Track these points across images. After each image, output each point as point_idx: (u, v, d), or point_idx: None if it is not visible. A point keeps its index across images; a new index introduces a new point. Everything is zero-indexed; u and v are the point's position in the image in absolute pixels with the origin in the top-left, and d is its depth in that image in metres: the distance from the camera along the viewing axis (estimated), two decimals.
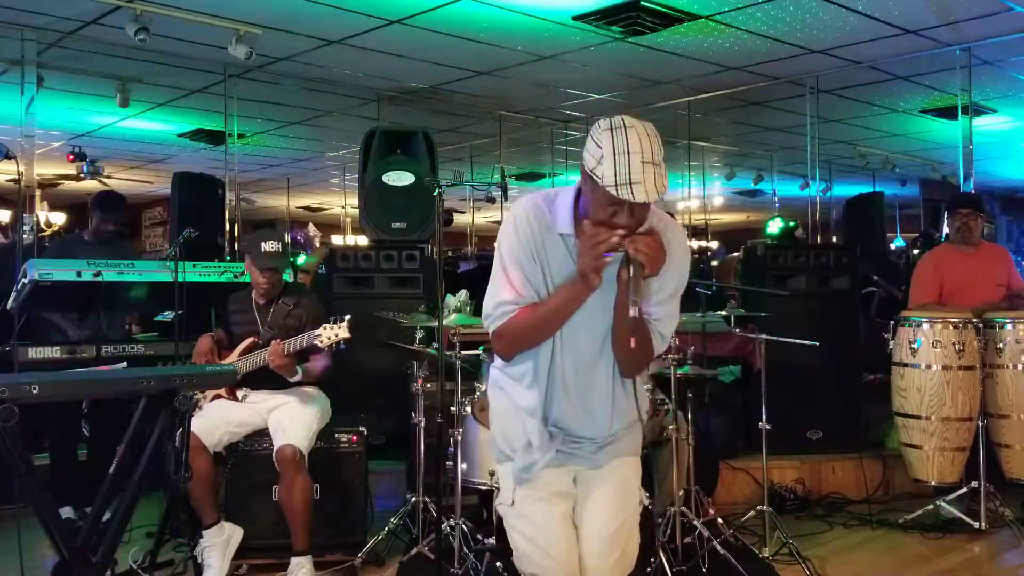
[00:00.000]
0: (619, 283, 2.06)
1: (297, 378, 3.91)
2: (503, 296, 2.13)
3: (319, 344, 3.72)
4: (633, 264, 1.96)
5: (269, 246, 3.98)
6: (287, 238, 11.48)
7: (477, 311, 5.25)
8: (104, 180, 11.24)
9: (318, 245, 10.57)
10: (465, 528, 3.85)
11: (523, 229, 2.12)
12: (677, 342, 4.19)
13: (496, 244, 2.20)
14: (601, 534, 2.26)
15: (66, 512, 4.49)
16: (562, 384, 2.21)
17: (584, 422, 2.24)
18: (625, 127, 1.94)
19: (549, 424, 2.23)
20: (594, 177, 1.95)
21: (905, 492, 5.19)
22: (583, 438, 2.26)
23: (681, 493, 3.99)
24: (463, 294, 5.20)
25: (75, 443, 4.91)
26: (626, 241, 1.97)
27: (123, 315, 5.77)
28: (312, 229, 10.85)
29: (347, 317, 3.73)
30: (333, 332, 3.71)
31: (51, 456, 4.79)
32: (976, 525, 4.55)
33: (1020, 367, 4.52)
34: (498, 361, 2.33)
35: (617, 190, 1.91)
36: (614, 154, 1.91)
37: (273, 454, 3.81)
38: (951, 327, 4.56)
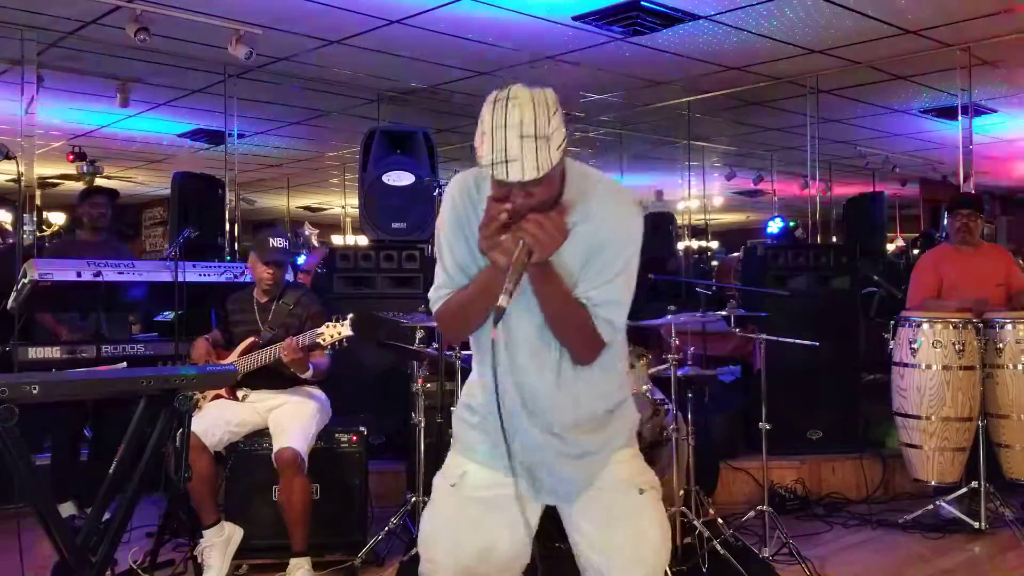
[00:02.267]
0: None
1: (309, 374, 3.92)
2: (438, 280, 2.02)
3: (321, 343, 3.74)
4: (520, 248, 1.75)
5: (277, 242, 4.07)
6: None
7: None
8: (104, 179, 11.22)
9: (315, 244, 10.55)
10: None
11: (448, 207, 1.99)
12: (677, 342, 4.20)
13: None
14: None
15: (69, 508, 4.50)
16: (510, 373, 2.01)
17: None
18: (507, 99, 1.72)
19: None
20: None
21: (905, 492, 5.19)
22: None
23: (681, 493, 3.99)
24: None
25: (77, 440, 4.90)
26: (514, 222, 1.77)
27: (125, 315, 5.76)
28: (308, 227, 10.83)
29: (349, 316, 3.76)
30: (336, 331, 3.73)
31: (52, 453, 4.78)
32: (976, 525, 4.55)
33: (1020, 367, 4.52)
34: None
35: (493, 169, 1.72)
36: (492, 130, 1.72)
37: (272, 456, 3.81)
38: (951, 327, 4.56)
